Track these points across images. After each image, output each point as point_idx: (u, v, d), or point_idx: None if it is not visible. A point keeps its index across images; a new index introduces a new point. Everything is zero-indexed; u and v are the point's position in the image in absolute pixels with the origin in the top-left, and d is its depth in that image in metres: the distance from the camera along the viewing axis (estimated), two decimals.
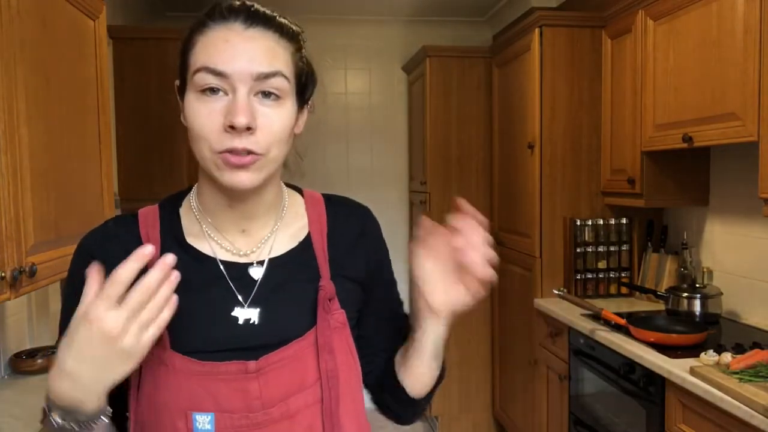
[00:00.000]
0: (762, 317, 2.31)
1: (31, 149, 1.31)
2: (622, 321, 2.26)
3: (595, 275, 2.89)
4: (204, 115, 0.77)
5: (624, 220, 2.89)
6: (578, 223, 2.87)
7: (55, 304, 2.21)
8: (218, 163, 0.77)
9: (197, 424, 0.78)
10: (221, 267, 0.84)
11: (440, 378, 0.95)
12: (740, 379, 1.66)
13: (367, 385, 0.97)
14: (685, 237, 2.67)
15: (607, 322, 2.35)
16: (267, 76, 0.77)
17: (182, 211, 0.89)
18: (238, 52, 0.76)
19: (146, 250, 0.69)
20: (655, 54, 2.40)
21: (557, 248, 2.93)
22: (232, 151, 0.76)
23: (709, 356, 1.85)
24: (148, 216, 0.87)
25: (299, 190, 0.96)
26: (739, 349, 1.95)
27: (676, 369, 1.85)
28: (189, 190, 0.91)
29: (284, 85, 0.79)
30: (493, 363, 3.66)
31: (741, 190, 2.39)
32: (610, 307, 2.42)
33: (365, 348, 0.94)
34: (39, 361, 1.89)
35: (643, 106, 2.48)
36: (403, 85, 4.14)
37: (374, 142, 4.14)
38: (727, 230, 2.50)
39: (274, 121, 0.78)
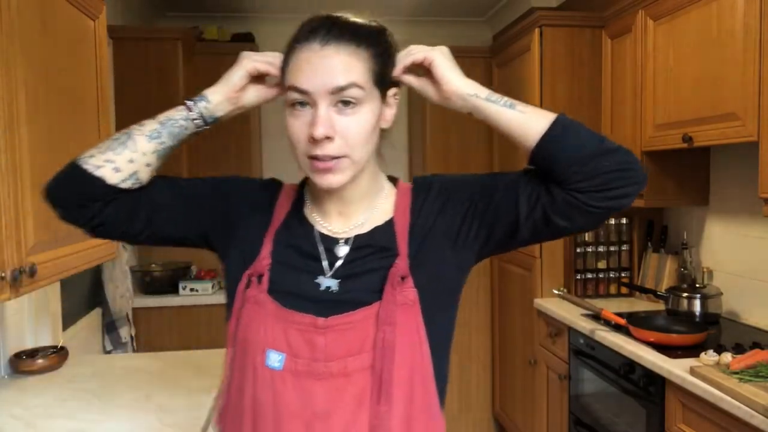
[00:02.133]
0: (762, 317, 2.31)
1: (31, 149, 1.31)
2: (622, 321, 2.26)
3: (595, 275, 2.89)
4: (295, 127, 0.92)
5: (624, 220, 2.89)
6: None
7: (56, 304, 2.21)
8: (309, 167, 0.93)
9: (269, 360, 0.92)
10: (318, 241, 0.99)
11: (555, 122, 0.94)
12: (740, 379, 1.66)
13: (571, 206, 0.93)
14: (685, 237, 2.67)
15: (607, 322, 2.35)
16: (342, 88, 0.89)
17: (304, 191, 1.06)
18: (316, 71, 0.89)
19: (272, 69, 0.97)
20: (655, 54, 2.40)
21: (557, 248, 2.93)
22: (316, 158, 0.90)
23: (709, 356, 1.85)
24: (290, 189, 1.07)
25: (396, 180, 1.07)
26: (739, 349, 1.95)
27: (676, 369, 1.85)
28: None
29: (359, 93, 0.90)
30: (493, 363, 3.66)
31: (741, 190, 2.39)
32: (610, 307, 2.42)
33: (546, 216, 0.94)
34: (39, 361, 1.89)
35: (643, 106, 2.48)
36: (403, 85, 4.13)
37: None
38: (727, 230, 2.50)
39: (352, 127, 0.91)
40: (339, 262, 0.97)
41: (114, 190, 0.95)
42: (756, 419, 1.53)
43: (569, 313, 2.59)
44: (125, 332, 2.80)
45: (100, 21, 1.72)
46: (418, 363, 0.93)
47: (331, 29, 0.91)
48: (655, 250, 2.83)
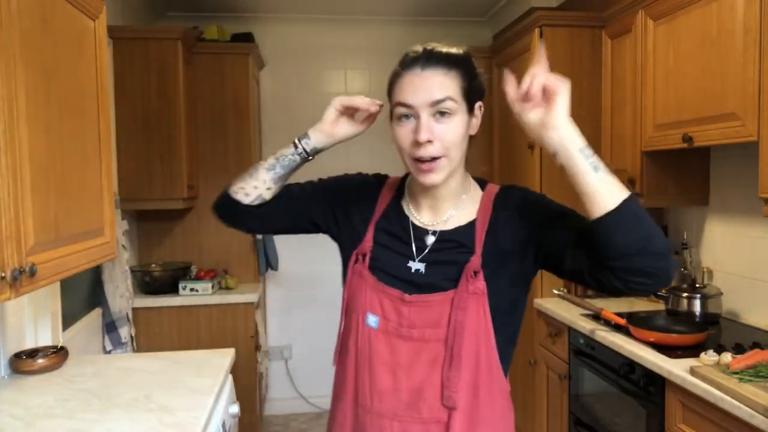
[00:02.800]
0: (762, 317, 2.31)
1: (31, 149, 1.30)
2: (622, 321, 2.26)
3: None
4: (402, 135, 1.14)
5: None
6: None
7: (55, 304, 2.21)
8: (415, 167, 1.15)
9: (368, 320, 1.19)
10: (411, 230, 1.23)
11: (619, 208, 1.00)
12: (740, 379, 1.66)
13: (599, 281, 1.07)
14: (685, 237, 2.67)
15: (607, 322, 2.35)
16: (439, 101, 1.11)
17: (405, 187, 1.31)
18: (418, 89, 1.12)
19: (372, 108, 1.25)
20: (655, 54, 2.40)
21: None
22: (420, 159, 1.13)
23: (709, 356, 1.85)
24: (392, 183, 1.33)
25: (484, 183, 1.28)
26: (739, 349, 1.95)
27: (676, 369, 1.85)
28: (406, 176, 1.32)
29: (452, 105, 1.11)
30: None
31: (741, 190, 2.39)
32: (610, 307, 2.42)
33: (582, 272, 1.09)
34: (39, 361, 1.89)
35: (643, 106, 2.48)
36: None
37: (374, 142, 4.13)
38: (727, 230, 2.50)
39: (447, 132, 1.12)
40: (426, 250, 1.20)
41: (249, 207, 1.29)
42: (756, 419, 1.53)
43: (569, 313, 2.59)
44: (125, 332, 2.80)
45: (100, 21, 1.72)
46: (483, 341, 1.14)
47: (429, 57, 1.12)
48: None
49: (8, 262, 1.21)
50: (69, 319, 2.40)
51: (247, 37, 3.60)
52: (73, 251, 1.51)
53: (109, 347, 2.75)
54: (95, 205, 1.68)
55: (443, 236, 1.20)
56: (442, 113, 1.11)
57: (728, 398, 1.62)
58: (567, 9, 3.23)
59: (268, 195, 1.28)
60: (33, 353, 1.93)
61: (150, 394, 1.68)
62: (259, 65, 3.85)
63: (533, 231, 1.16)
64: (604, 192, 1.01)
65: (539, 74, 1.00)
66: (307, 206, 1.33)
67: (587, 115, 2.89)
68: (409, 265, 1.20)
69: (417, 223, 1.23)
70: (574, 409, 2.58)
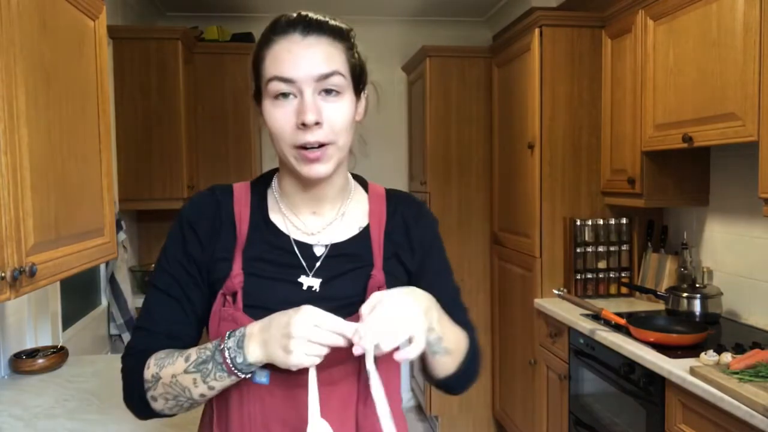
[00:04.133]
0: (762, 317, 2.31)
1: (31, 149, 1.30)
2: (622, 321, 2.26)
3: (595, 275, 2.89)
4: (280, 117, 0.92)
5: (624, 220, 2.89)
6: (578, 223, 2.87)
7: (55, 304, 2.21)
8: (297, 157, 0.93)
9: (256, 376, 0.93)
10: (293, 243, 0.99)
11: (470, 351, 1.04)
12: (740, 379, 1.66)
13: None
14: (685, 237, 2.67)
15: (607, 322, 2.35)
16: (326, 76, 0.91)
17: (268, 192, 1.05)
18: (300, 59, 0.91)
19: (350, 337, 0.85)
20: (655, 54, 2.40)
21: (557, 248, 2.93)
22: (306, 147, 0.91)
23: (709, 356, 1.85)
24: (241, 193, 1.03)
25: (364, 182, 1.10)
26: (739, 349, 1.95)
27: (676, 369, 1.85)
28: (274, 172, 1.07)
29: (342, 81, 0.93)
30: (493, 363, 3.66)
31: (741, 190, 2.39)
32: (610, 307, 2.42)
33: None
34: (39, 361, 1.89)
35: (643, 106, 2.48)
36: (402, 85, 4.14)
37: (374, 142, 4.14)
38: (727, 230, 2.50)
39: (337, 114, 0.92)
40: (318, 263, 0.99)
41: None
42: (756, 419, 1.53)
43: (569, 313, 2.59)
44: None
45: (100, 21, 1.72)
46: (393, 365, 0.99)
47: (310, 22, 0.93)
48: (655, 250, 2.83)
49: (8, 262, 1.21)
50: (69, 319, 2.40)
51: (247, 37, 3.60)
52: (73, 251, 1.51)
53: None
54: (95, 205, 1.68)
55: (336, 251, 1.00)
56: (329, 91, 0.92)
57: (728, 398, 1.62)
58: (567, 9, 3.23)
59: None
60: (33, 353, 1.94)
61: None
62: None
63: (417, 260, 1.04)
64: (440, 367, 1.02)
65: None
66: (196, 288, 1.00)
67: (587, 115, 2.89)
68: (300, 281, 0.97)
69: (299, 235, 1.00)
70: (574, 409, 2.58)
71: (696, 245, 2.67)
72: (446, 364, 1.01)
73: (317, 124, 0.90)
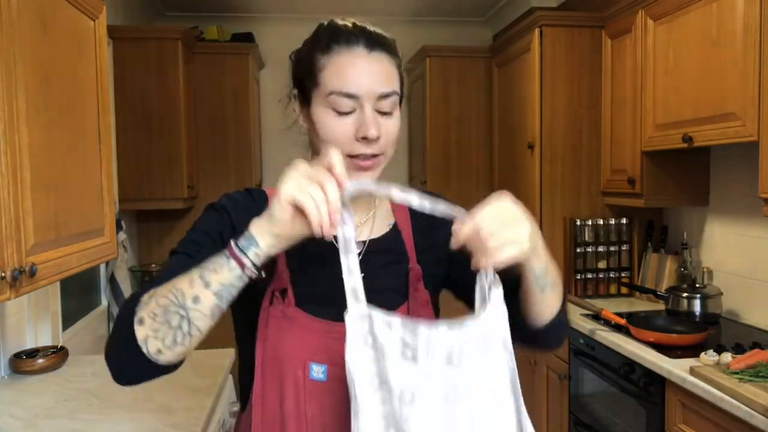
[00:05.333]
0: (762, 317, 2.30)
1: (31, 149, 1.30)
2: (622, 321, 2.26)
3: (595, 275, 2.89)
4: (338, 128, 0.92)
5: (624, 220, 2.89)
6: (578, 223, 2.87)
7: (55, 304, 2.21)
8: (349, 165, 0.91)
9: (313, 372, 0.91)
10: (332, 238, 0.91)
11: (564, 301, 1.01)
12: (740, 379, 1.66)
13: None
14: (685, 237, 2.67)
15: (607, 322, 2.35)
16: (386, 95, 0.93)
17: None
18: (364, 76, 0.91)
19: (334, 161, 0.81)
20: (655, 54, 2.40)
21: (557, 248, 2.93)
22: (362, 156, 0.92)
23: (709, 356, 1.85)
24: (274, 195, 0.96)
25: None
26: (739, 349, 1.95)
27: (676, 369, 1.85)
28: None
29: (396, 100, 0.95)
30: None
31: (741, 190, 2.39)
32: (610, 307, 2.42)
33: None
34: (39, 361, 1.89)
35: (643, 106, 2.48)
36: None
37: None
38: (727, 230, 2.50)
39: (391, 129, 0.95)
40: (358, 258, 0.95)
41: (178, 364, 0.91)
42: (756, 419, 1.53)
43: (569, 313, 2.58)
44: None
45: (100, 21, 1.72)
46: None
47: (371, 36, 0.94)
48: (655, 250, 2.83)
49: (8, 262, 1.21)
50: (69, 319, 2.40)
51: (247, 37, 3.60)
52: (73, 251, 1.51)
53: None
54: (95, 205, 1.68)
55: (373, 245, 1.01)
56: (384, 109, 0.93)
57: (728, 398, 1.62)
58: (567, 9, 3.23)
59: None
60: (33, 353, 1.94)
61: (150, 394, 1.68)
62: (259, 65, 3.85)
63: (447, 250, 0.97)
64: (551, 305, 0.99)
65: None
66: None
67: (587, 115, 2.89)
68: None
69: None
70: (574, 409, 2.58)
71: (696, 245, 2.67)
72: (551, 302, 0.97)
73: (377, 138, 0.92)
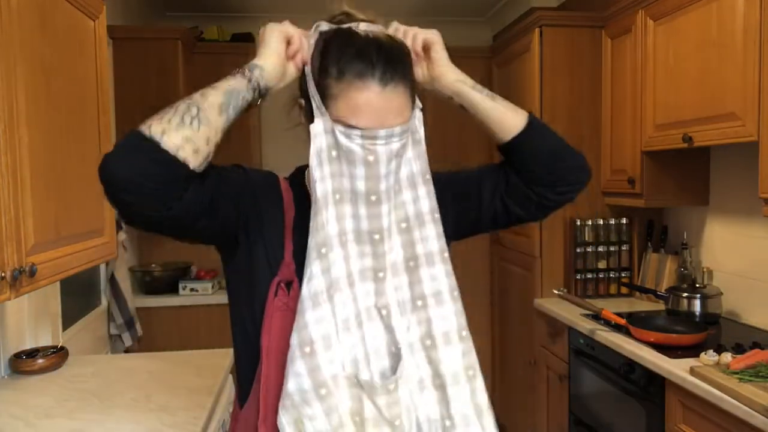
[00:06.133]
0: (762, 317, 2.30)
1: (31, 149, 1.30)
2: (622, 321, 2.26)
3: (595, 275, 2.89)
4: None
5: (624, 220, 2.89)
6: (578, 223, 2.87)
7: (55, 304, 2.21)
8: None
9: None
10: None
11: (531, 122, 1.05)
12: (740, 379, 1.66)
13: (528, 198, 1.08)
14: (685, 237, 2.67)
15: (607, 322, 2.35)
16: (398, 134, 0.92)
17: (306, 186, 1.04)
18: (375, 113, 0.90)
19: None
20: (655, 54, 2.40)
21: (557, 248, 2.93)
22: None
23: (709, 356, 1.85)
24: (285, 184, 1.05)
25: None
26: (739, 349, 1.95)
27: (676, 369, 1.85)
28: (303, 168, 1.06)
29: (406, 129, 0.94)
30: (493, 363, 3.66)
31: (741, 190, 2.39)
32: (610, 307, 2.42)
33: (501, 205, 1.09)
34: (39, 361, 1.89)
35: (643, 106, 2.48)
36: None
37: None
38: (727, 230, 2.50)
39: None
40: None
41: (196, 175, 0.85)
42: (756, 419, 1.53)
43: (569, 313, 2.59)
44: (139, 327, 2.87)
45: (100, 21, 1.72)
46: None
47: (386, 66, 0.91)
48: (655, 250, 2.83)
49: (8, 262, 1.21)
50: (69, 319, 2.40)
51: (247, 37, 3.60)
52: (73, 251, 1.51)
53: (128, 343, 2.78)
54: (95, 205, 1.68)
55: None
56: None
57: (728, 398, 1.62)
58: (567, 9, 3.23)
59: (212, 156, 0.89)
60: (33, 353, 1.94)
61: (150, 394, 1.68)
62: None
63: (443, 201, 1.05)
64: (509, 114, 1.04)
65: (415, 31, 1.01)
66: (242, 200, 0.97)
67: (587, 115, 2.89)
68: None
69: None
70: (574, 409, 2.58)
71: (696, 245, 2.67)
72: (505, 113, 1.04)
73: None
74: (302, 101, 1.00)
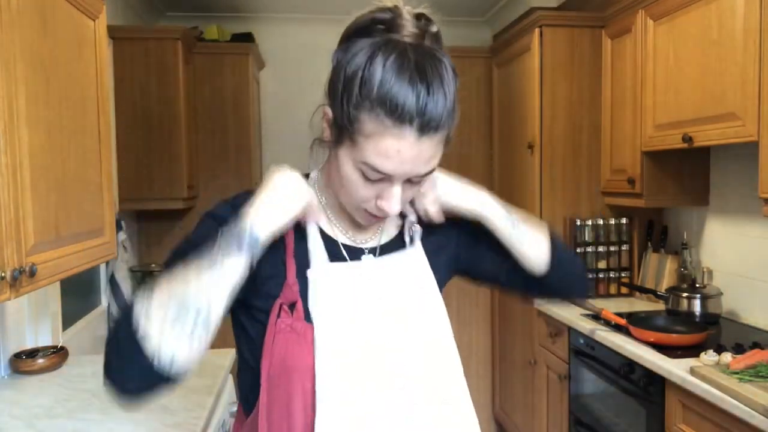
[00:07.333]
0: (762, 317, 2.30)
1: (31, 149, 1.30)
2: (622, 321, 2.26)
3: (595, 275, 2.89)
4: (361, 190, 0.88)
5: (624, 220, 2.89)
6: (578, 223, 2.87)
7: (55, 304, 2.21)
8: (360, 213, 0.93)
9: None
10: (341, 247, 0.97)
11: (553, 241, 1.09)
12: (740, 379, 1.66)
13: (527, 291, 1.16)
14: (685, 237, 2.67)
15: (607, 322, 2.35)
16: (423, 176, 0.89)
17: None
18: (404, 161, 0.84)
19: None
20: (655, 54, 2.40)
21: None
22: (373, 214, 0.91)
23: (709, 356, 1.85)
24: None
25: None
26: (739, 349, 1.95)
27: (676, 369, 1.85)
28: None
29: (432, 171, 0.90)
30: (493, 363, 3.66)
31: (741, 190, 2.39)
32: (610, 307, 2.42)
33: (496, 277, 1.13)
34: (39, 361, 1.89)
35: (643, 106, 2.48)
36: None
37: None
38: (727, 230, 2.50)
39: (413, 194, 0.94)
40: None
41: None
42: (756, 419, 1.53)
43: (569, 313, 2.59)
44: None
45: (100, 21, 1.72)
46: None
47: (429, 117, 0.83)
48: (655, 250, 2.83)
49: (8, 262, 1.21)
50: (69, 319, 2.40)
51: (247, 37, 3.60)
52: (73, 251, 1.51)
53: None
54: (95, 205, 1.68)
55: (384, 250, 1.01)
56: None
57: (728, 398, 1.62)
58: (567, 9, 3.23)
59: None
60: (33, 353, 1.94)
61: None
62: (259, 65, 3.85)
63: (461, 239, 1.09)
64: (532, 243, 1.07)
65: (427, 206, 1.01)
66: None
67: (587, 116, 2.89)
68: None
69: (346, 241, 0.99)
70: (574, 409, 2.58)
71: (696, 245, 2.67)
72: (533, 240, 1.06)
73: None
74: (329, 111, 0.89)
